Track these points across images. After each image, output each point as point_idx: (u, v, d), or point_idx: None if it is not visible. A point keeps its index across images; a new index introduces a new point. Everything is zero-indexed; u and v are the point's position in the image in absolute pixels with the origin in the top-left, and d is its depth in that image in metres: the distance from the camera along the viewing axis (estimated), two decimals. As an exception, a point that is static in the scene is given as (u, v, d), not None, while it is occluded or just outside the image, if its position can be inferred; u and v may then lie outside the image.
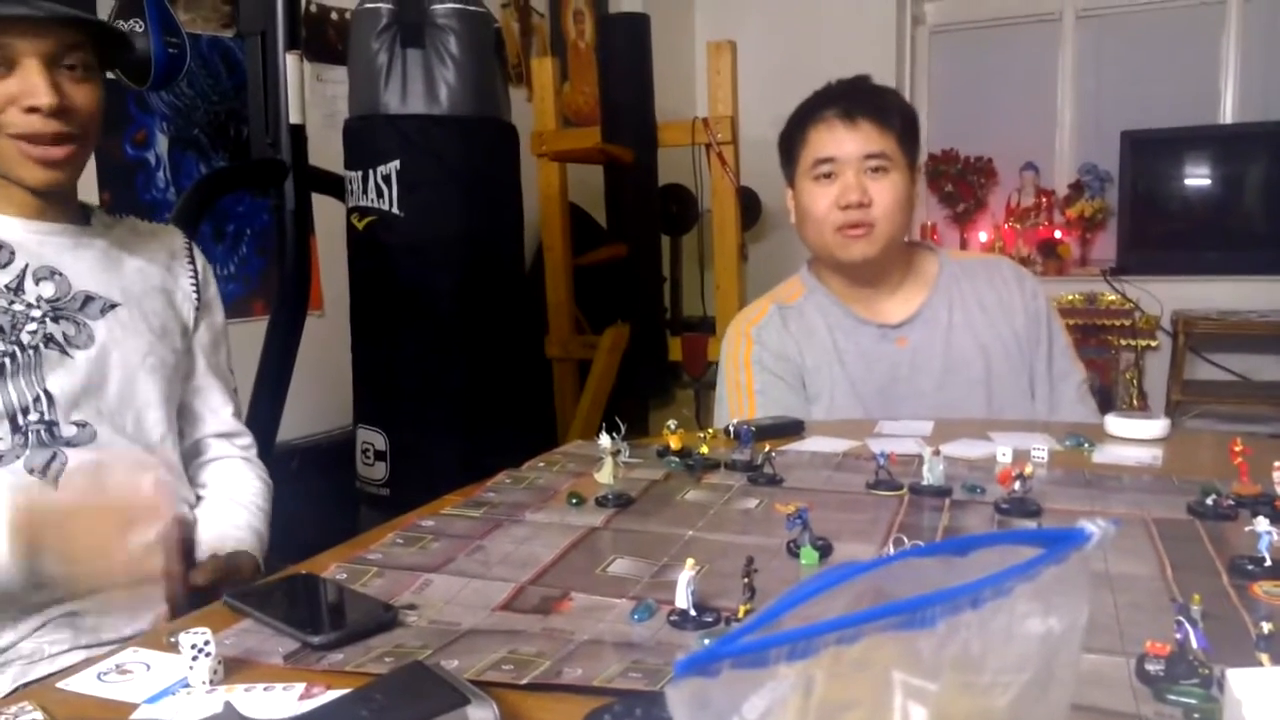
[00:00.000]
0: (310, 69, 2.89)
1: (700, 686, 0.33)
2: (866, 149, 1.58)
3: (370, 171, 2.23)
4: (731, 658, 0.33)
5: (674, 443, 1.26)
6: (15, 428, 1.13)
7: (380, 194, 2.22)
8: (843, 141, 1.59)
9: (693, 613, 0.77)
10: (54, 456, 1.16)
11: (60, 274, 1.20)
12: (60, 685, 0.70)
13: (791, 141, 1.67)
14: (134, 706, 0.66)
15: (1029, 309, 1.68)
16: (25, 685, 0.92)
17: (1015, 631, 0.40)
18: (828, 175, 1.59)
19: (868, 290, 1.67)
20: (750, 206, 4.09)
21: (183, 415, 1.35)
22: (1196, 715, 0.60)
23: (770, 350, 1.67)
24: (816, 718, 0.36)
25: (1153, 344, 4.09)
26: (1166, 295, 4.05)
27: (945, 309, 1.66)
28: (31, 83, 1.10)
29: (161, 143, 2.64)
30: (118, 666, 0.72)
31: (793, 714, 0.35)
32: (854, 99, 1.61)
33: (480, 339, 2.32)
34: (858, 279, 1.66)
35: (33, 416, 1.14)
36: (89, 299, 1.21)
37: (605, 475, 1.12)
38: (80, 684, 0.70)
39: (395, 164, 2.21)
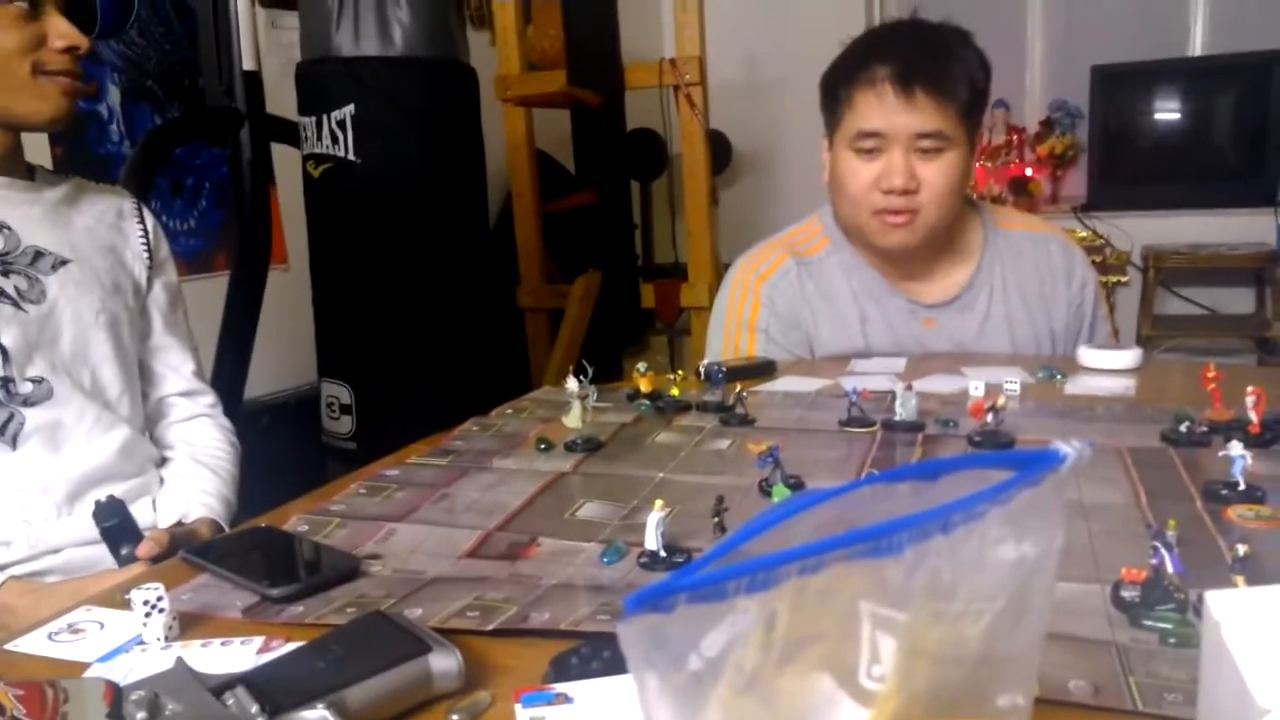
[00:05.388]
0: (265, 15, 2.81)
1: (655, 623, 0.31)
2: (921, 127, 1.36)
3: (324, 117, 2.17)
4: (687, 591, 0.31)
5: (644, 385, 1.24)
6: None
7: (335, 140, 2.16)
8: (893, 116, 1.36)
9: (662, 554, 0.75)
10: (11, 416, 1.14)
11: (8, 228, 1.18)
12: (9, 646, 0.67)
13: (834, 96, 1.44)
14: (86, 666, 0.64)
15: (1073, 303, 1.54)
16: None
17: (987, 558, 0.38)
18: (871, 150, 1.39)
19: (899, 266, 1.52)
20: (720, 150, 4.05)
21: (143, 376, 1.33)
22: (1172, 640, 0.60)
23: (780, 317, 1.51)
24: (780, 652, 0.34)
25: (1123, 280, 4.10)
26: (1137, 230, 4.05)
27: (985, 296, 1.51)
28: (61, 25, 1.16)
29: (114, 94, 2.57)
30: (70, 626, 0.70)
31: (755, 649, 0.33)
32: (915, 59, 1.36)
33: (444, 288, 2.28)
34: (891, 259, 1.50)
35: None
36: (39, 254, 1.19)
37: (574, 419, 1.09)
38: (30, 645, 0.67)
39: (349, 108, 2.15)
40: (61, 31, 1.16)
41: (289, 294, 2.65)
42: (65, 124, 1.21)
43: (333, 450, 2.34)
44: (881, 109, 1.37)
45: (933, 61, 1.36)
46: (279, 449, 2.26)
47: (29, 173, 1.25)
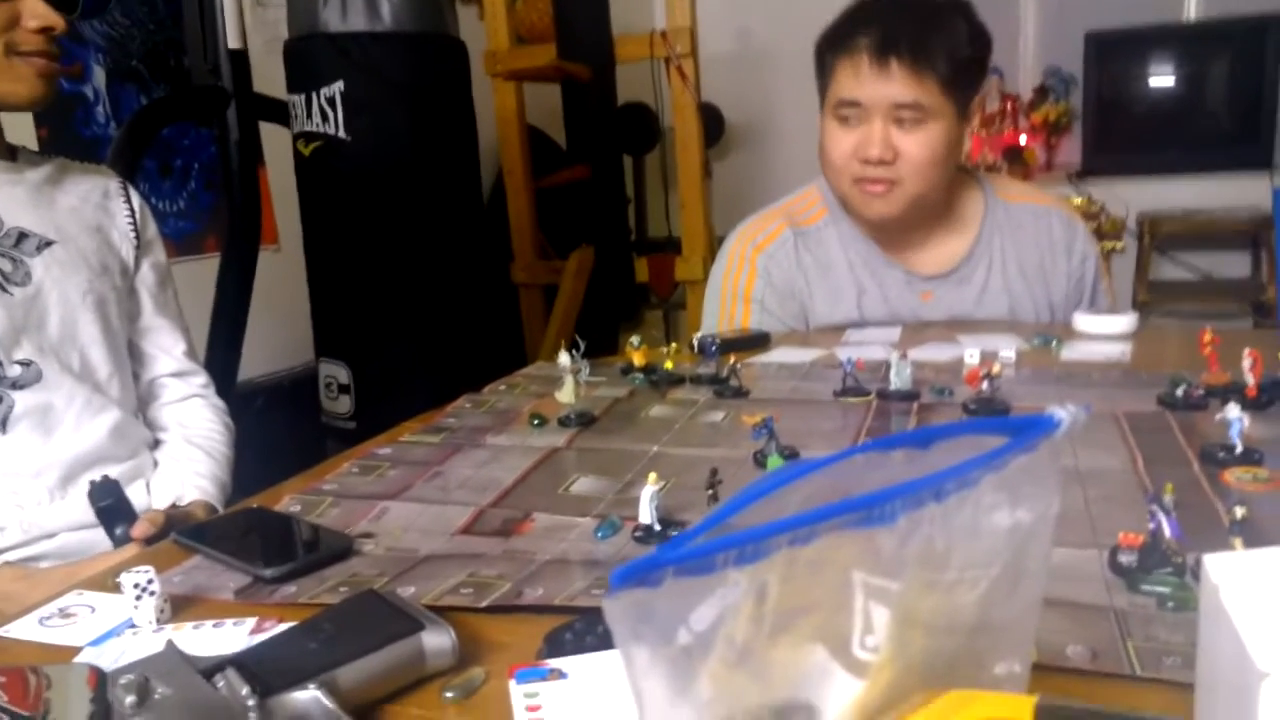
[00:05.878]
0: (250, -8, 2.77)
1: (642, 597, 0.31)
2: (897, 98, 1.34)
3: (313, 94, 2.15)
4: (674, 565, 0.31)
5: (637, 359, 1.23)
6: None
7: (325, 117, 2.14)
8: (869, 86, 1.34)
9: (657, 527, 0.75)
10: (0, 400, 1.12)
11: None
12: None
13: (821, 63, 1.44)
14: (77, 650, 0.63)
15: (1073, 276, 1.53)
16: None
17: (982, 525, 0.38)
18: (852, 119, 1.39)
19: (896, 237, 1.50)
20: (713, 123, 4.02)
21: (134, 357, 1.32)
22: (1170, 604, 0.59)
23: (776, 288, 1.50)
24: (772, 624, 0.34)
25: (1118, 246, 4.09)
26: (1132, 196, 4.04)
27: (984, 268, 1.50)
28: (37, 6, 1.14)
29: (99, 75, 2.54)
30: (61, 610, 0.69)
31: (745, 621, 0.33)
32: (895, 29, 1.34)
33: (438, 264, 2.27)
34: (886, 229, 1.49)
35: None
36: (24, 236, 1.18)
37: (566, 394, 1.09)
38: (21, 630, 0.67)
39: (339, 85, 2.13)
40: (36, 12, 1.13)
41: (281, 274, 2.63)
42: (43, 105, 1.19)
43: (332, 430, 2.33)
44: (858, 79, 1.36)
45: (913, 32, 1.34)
46: (276, 430, 2.25)
47: (10, 153, 1.23)
